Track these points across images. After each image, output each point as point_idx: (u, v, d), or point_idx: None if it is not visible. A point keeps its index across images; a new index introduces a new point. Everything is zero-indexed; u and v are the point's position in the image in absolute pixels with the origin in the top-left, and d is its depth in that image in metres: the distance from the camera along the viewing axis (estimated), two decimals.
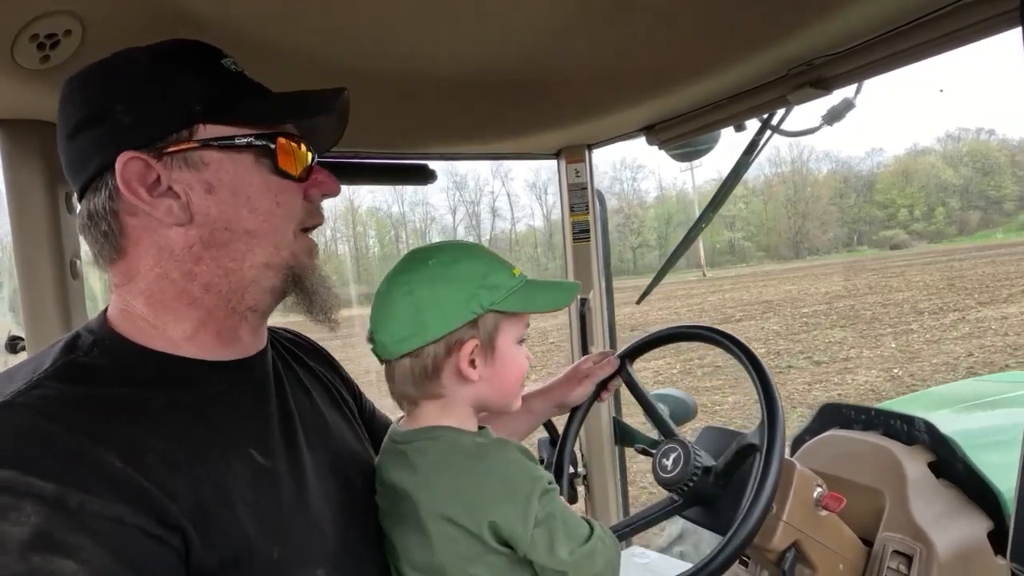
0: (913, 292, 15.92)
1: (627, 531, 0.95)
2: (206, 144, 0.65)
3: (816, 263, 42.78)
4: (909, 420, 1.32)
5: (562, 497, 0.80)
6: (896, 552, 1.13)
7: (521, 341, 0.85)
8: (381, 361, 0.83)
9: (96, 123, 0.64)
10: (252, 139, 0.67)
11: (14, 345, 1.06)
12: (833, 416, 1.49)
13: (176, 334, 0.68)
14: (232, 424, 0.68)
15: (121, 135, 0.63)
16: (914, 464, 1.24)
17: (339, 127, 0.78)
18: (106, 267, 0.69)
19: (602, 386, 1.17)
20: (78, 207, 0.69)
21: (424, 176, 1.62)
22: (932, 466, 1.25)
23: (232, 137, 0.66)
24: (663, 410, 1.27)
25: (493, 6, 0.88)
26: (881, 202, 63.02)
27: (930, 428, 1.29)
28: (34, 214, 1.04)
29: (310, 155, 0.73)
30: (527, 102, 1.31)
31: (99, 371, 0.63)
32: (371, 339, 0.81)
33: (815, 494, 1.06)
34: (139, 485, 0.56)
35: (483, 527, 0.73)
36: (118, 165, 0.63)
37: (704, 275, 33.45)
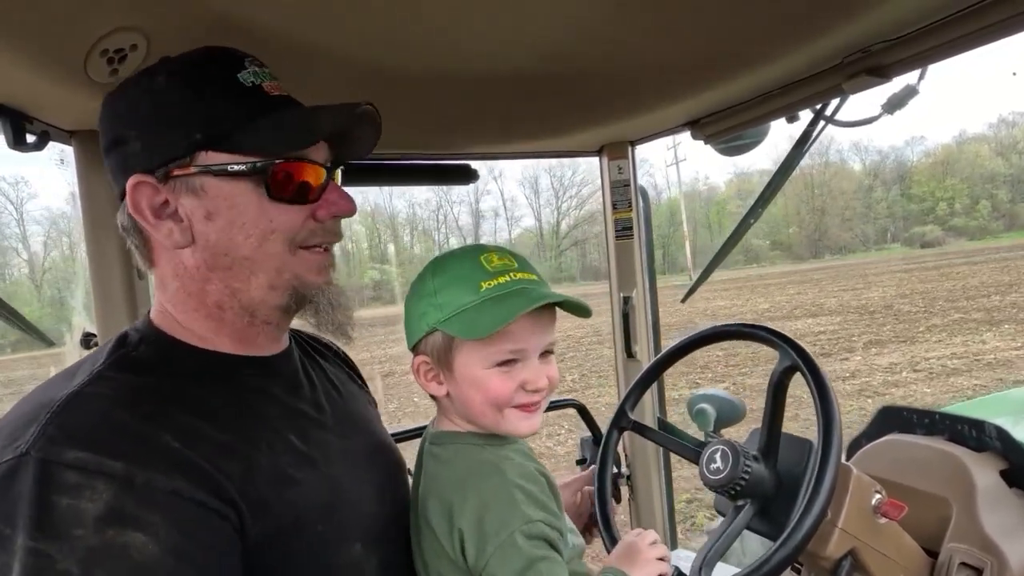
0: (825, 319, 14.32)
1: (711, 556, 0.92)
2: (204, 171, 0.67)
3: (828, 264, 40.19)
4: (978, 425, 1.25)
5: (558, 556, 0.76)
6: (964, 564, 1.07)
7: (502, 363, 0.78)
8: None
9: (116, 147, 0.70)
10: (245, 167, 0.67)
11: (88, 341, 1.14)
12: (893, 420, 1.41)
13: (207, 335, 0.73)
14: (272, 414, 0.73)
15: (133, 159, 0.68)
16: (984, 472, 1.16)
17: (372, 136, 0.77)
18: (147, 272, 0.75)
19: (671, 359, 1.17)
20: None
21: (466, 176, 1.64)
22: (1004, 474, 1.18)
23: (226, 165, 0.67)
24: (710, 410, 1.24)
25: (532, 3, 0.88)
26: (918, 195, 58.08)
27: (1002, 434, 1.21)
28: (104, 219, 1.11)
29: (324, 175, 0.72)
30: (568, 99, 1.30)
31: (147, 363, 0.69)
32: None
33: (874, 500, 1.01)
34: (195, 463, 0.61)
35: (454, 536, 0.75)
36: (128, 187, 0.68)
37: (691, 278, 32.00)
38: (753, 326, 1.05)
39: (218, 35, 0.84)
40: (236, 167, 0.67)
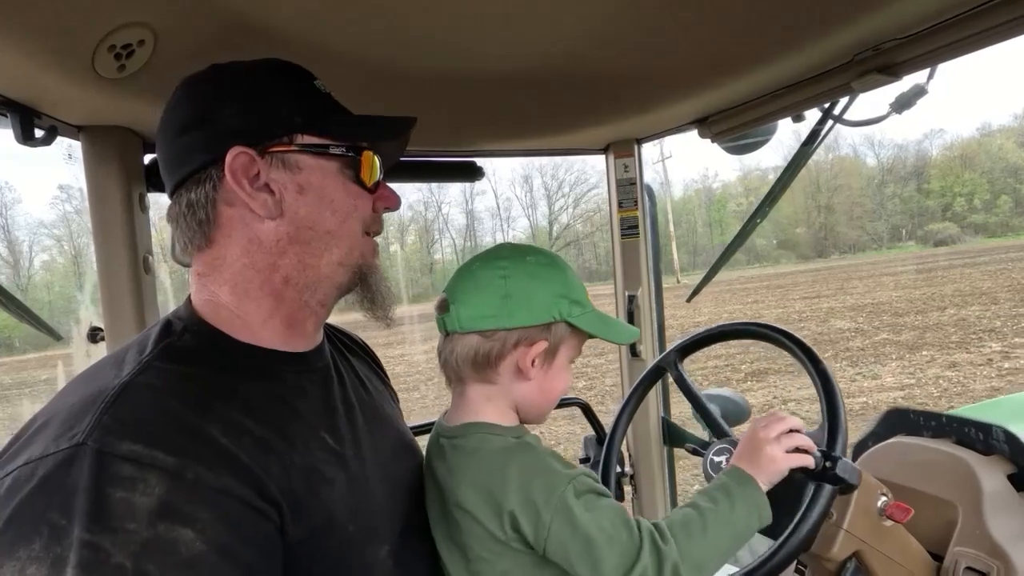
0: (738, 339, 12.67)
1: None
2: (303, 149, 0.72)
3: (827, 266, 38.22)
4: (985, 428, 1.24)
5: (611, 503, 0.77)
6: (970, 569, 1.06)
7: (571, 362, 0.88)
8: (445, 333, 0.86)
9: (207, 122, 0.71)
10: (342, 150, 0.74)
11: (94, 335, 1.14)
12: (899, 422, 1.41)
13: (255, 322, 0.73)
14: (306, 411, 0.73)
15: (231, 133, 0.70)
16: (991, 475, 1.15)
17: (401, 150, 0.87)
18: (193, 256, 0.75)
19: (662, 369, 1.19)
20: (150, 203, 0.75)
21: (472, 173, 1.64)
22: (1012, 478, 1.17)
23: (327, 146, 0.73)
24: (714, 410, 1.24)
25: (540, 2, 0.87)
26: (936, 191, 54.51)
27: (1010, 437, 1.20)
28: (111, 214, 1.12)
29: (380, 170, 0.80)
30: (575, 97, 1.29)
31: (194, 354, 0.69)
32: (443, 308, 0.84)
33: (879, 503, 1.01)
34: (241, 460, 0.61)
35: (504, 519, 0.75)
36: (228, 157, 0.69)
37: (678, 281, 31.88)
38: (769, 326, 1.05)
39: (226, 31, 0.84)
40: (336, 149, 0.74)
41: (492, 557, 0.77)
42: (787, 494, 0.95)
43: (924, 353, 9.55)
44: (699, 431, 1.25)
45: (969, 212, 53.00)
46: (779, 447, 0.85)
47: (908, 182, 58.41)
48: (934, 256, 33.90)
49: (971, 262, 25.14)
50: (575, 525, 0.72)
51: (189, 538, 0.54)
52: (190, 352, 0.68)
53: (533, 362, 0.82)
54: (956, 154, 57.48)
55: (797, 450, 0.85)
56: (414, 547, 0.81)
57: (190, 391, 0.63)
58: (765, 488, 0.83)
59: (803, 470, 0.85)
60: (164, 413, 0.60)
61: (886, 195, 57.71)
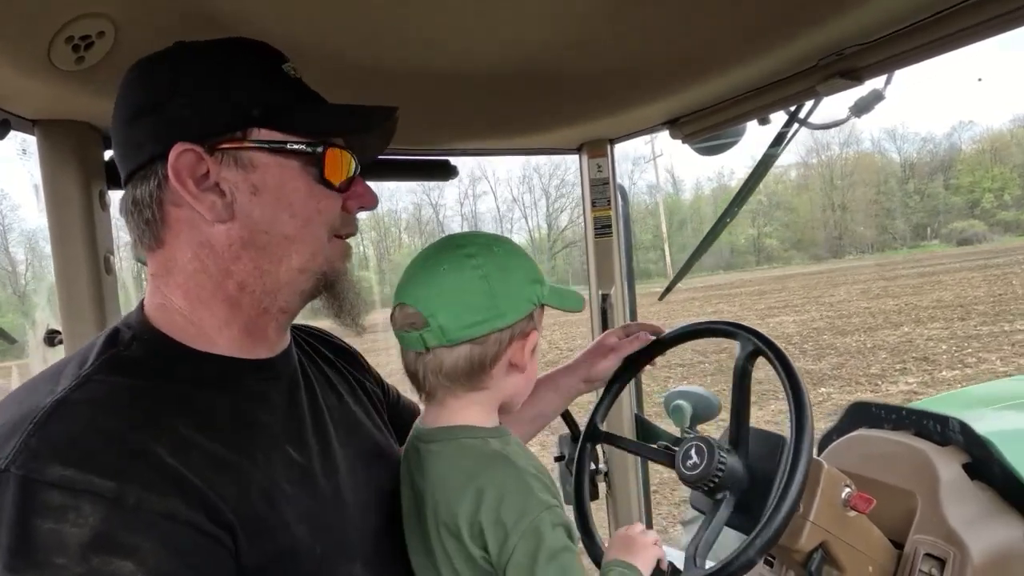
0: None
1: (703, 547, 0.92)
2: (258, 146, 0.66)
3: (828, 268, 36.28)
4: (943, 420, 1.29)
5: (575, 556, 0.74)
6: (928, 555, 1.11)
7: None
8: (426, 349, 0.77)
9: (155, 112, 0.65)
10: (303, 147, 0.67)
11: (52, 339, 1.10)
12: (862, 415, 1.45)
13: (211, 329, 0.68)
14: (268, 422, 0.68)
15: (178, 127, 0.64)
16: (947, 465, 1.20)
17: (384, 142, 0.80)
18: (144, 254, 0.70)
19: (635, 363, 1.15)
20: (111, 200, 0.72)
21: (446, 172, 1.63)
22: (967, 467, 1.22)
23: (284, 143, 0.66)
24: (685, 406, 1.26)
25: (514, 2, 0.87)
26: (964, 186, 50.77)
27: (965, 428, 1.25)
28: (70, 211, 1.08)
29: (354, 167, 0.73)
30: (549, 97, 1.30)
31: (141, 365, 0.63)
32: (420, 323, 0.76)
33: (844, 494, 1.04)
34: (189, 481, 0.56)
35: (474, 531, 0.72)
36: (171, 155, 0.63)
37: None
38: (738, 325, 1.07)
39: (190, 24, 0.82)
40: (295, 146, 0.66)
41: (466, 571, 0.74)
42: (756, 490, 0.97)
43: (822, 390, 7.91)
44: (671, 427, 1.27)
45: (998, 209, 48.94)
46: (648, 538, 0.88)
47: (934, 177, 54.33)
48: (948, 257, 31.32)
49: (984, 264, 22.82)
50: (537, 556, 0.69)
51: (128, 571, 0.50)
52: (137, 363, 0.63)
53: (531, 353, 0.81)
54: (986, 147, 53.42)
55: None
56: (390, 563, 0.77)
57: (134, 406, 0.58)
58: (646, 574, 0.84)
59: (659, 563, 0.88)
60: (101, 432, 0.54)
61: (908, 191, 54.05)
